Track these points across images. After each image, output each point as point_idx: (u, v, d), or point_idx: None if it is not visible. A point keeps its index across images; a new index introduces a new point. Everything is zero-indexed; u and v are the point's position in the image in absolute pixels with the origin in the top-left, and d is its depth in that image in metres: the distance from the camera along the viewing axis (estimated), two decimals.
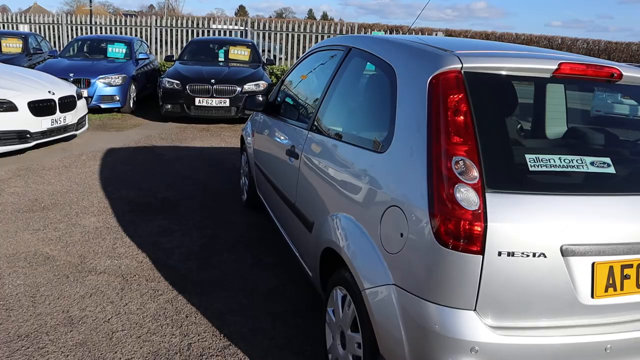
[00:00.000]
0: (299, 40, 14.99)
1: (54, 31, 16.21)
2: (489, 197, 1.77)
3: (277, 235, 4.21)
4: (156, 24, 15.67)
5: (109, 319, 2.93)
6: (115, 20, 15.97)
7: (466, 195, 1.77)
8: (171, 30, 15.67)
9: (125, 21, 15.97)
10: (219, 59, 10.33)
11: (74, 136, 7.12)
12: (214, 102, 8.68)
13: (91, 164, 6.24)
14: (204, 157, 6.83)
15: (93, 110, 9.12)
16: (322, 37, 14.33)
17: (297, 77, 3.82)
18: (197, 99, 8.64)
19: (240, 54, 10.41)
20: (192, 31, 15.59)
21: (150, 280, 3.41)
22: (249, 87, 8.87)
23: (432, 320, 1.81)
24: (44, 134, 6.35)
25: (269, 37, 15.54)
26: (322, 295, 2.79)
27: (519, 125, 2.37)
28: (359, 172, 2.28)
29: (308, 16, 78.12)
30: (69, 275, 3.42)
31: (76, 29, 16.01)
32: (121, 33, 15.49)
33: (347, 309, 2.27)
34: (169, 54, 13.42)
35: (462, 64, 1.98)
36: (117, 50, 10.49)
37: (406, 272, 1.89)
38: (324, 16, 79.28)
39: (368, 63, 2.72)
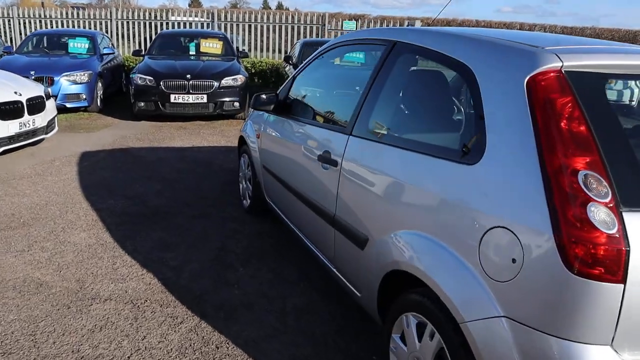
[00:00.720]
0: (262, 32, 14.50)
1: (3, 25, 15.19)
2: (627, 216, 1.51)
3: (292, 245, 3.89)
4: (116, 16, 14.87)
5: (128, 357, 2.55)
6: (72, 13, 15.08)
7: (600, 216, 1.50)
8: (133, 23, 14.91)
9: (83, 14, 15.10)
10: (190, 53, 9.81)
11: (42, 140, 6.55)
12: (191, 98, 8.21)
13: (67, 170, 5.72)
14: (187, 158, 6.39)
15: (58, 110, 8.47)
16: (289, 29, 13.92)
17: (317, 74, 3.49)
18: (172, 96, 8.14)
19: (212, 46, 9.92)
20: (152, 24, 14.86)
21: (164, 306, 3.03)
22: (226, 81, 8.43)
23: (561, 358, 1.54)
24: (11, 139, 5.78)
25: (230, 29, 14.98)
26: (375, 318, 2.50)
27: (631, 129, 2.12)
28: (438, 185, 1.98)
29: (263, 6, 76.93)
30: (70, 305, 3.00)
31: (29, 23, 15.04)
32: (78, 26, 14.64)
33: (429, 339, 1.98)
34: (129, 47, 12.74)
35: (562, 62, 1.72)
36: (79, 45, 9.82)
37: (523, 303, 1.62)
38: (279, 6, 78.24)
39: (424, 60, 2.43)
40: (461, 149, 1.93)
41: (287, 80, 3.87)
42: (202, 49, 9.84)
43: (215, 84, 8.30)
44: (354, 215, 2.53)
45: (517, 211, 1.65)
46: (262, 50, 14.30)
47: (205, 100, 8.26)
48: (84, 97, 8.69)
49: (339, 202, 2.68)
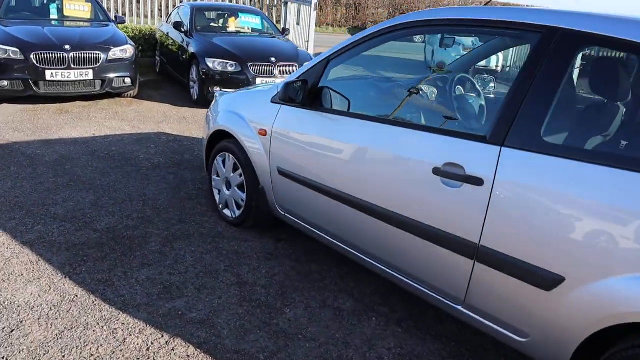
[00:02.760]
0: None
1: None
2: None
3: (328, 267, 3.17)
4: None
5: None
6: None
7: None
8: None
9: None
10: (52, 17, 7.95)
11: None
12: (73, 75, 6.62)
13: None
14: (98, 153, 5.08)
15: None
16: None
17: (389, 61, 2.75)
18: (48, 72, 6.47)
19: (79, 9, 8.14)
20: None
21: None
22: (114, 53, 6.96)
23: None
24: None
25: None
26: None
27: None
28: None
29: None
30: None
31: None
32: None
33: None
34: None
35: None
36: None
37: None
38: None
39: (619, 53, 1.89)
40: None
41: (308, 65, 3.04)
42: (66, 12, 8.01)
43: (103, 56, 6.80)
44: (530, 248, 1.96)
45: None
46: (131, 15, 12.30)
47: (91, 76, 6.73)
48: None
49: (490, 230, 2.08)
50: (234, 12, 8.76)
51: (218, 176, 3.76)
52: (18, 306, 2.63)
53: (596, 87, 2.15)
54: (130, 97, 7.55)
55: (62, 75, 6.54)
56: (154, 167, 4.79)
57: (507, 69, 5.79)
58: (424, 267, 2.39)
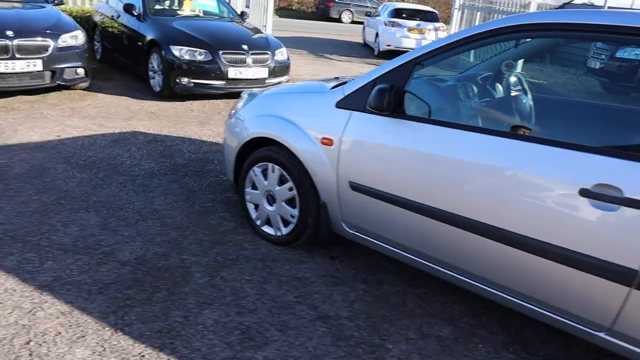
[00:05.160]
0: None
1: None
2: None
3: (401, 287, 2.88)
4: None
5: None
6: None
7: None
8: None
9: None
10: None
11: None
12: (18, 66, 5.70)
13: None
14: (72, 158, 4.37)
15: None
16: None
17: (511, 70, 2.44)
18: None
19: None
20: None
21: None
22: (64, 40, 6.09)
23: None
24: None
25: None
26: None
27: None
28: None
29: None
30: None
31: None
32: None
33: None
34: None
35: None
36: None
37: None
38: None
39: None
40: None
41: (386, 67, 2.66)
42: None
43: (52, 44, 5.92)
44: None
45: None
46: None
47: (40, 67, 5.83)
48: None
49: None
50: None
51: (255, 189, 3.30)
52: None
53: None
54: (81, 89, 6.69)
55: (5, 66, 5.61)
56: (149, 176, 4.19)
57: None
58: (558, 292, 2.16)
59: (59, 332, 2.34)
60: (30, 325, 2.37)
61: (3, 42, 5.56)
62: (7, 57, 5.60)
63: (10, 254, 2.92)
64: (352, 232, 2.91)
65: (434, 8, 15.15)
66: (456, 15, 12.63)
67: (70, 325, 2.39)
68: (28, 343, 2.25)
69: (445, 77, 3.19)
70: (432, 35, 12.73)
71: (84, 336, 2.33)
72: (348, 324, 2.57)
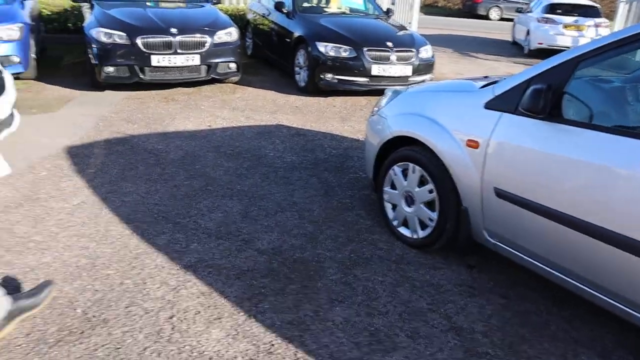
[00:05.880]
0: None
1: None
2: None
3: (545, 307, 2.57)
4: None
5: None
6: None
7: None
8: None
9: None
10: None
11: None
12: (179, 60, 6.21)
13: (68, 186, 3.77)
14: (221, 147, 4.63)
15: None
16: None
17: None
18: (153, 58, 6.08)
19: None
20: None
21: None
22: (220, 37, 6.51)
23: None
24: None
25: None
26: None
27: None
28: None
29: None
30: None
31: None
32: None
33: None
34: None
35: None
36: None
37: None
38: None
39: None
40: None
41: (543, 65, 2.41)
42: None
43: (209, 40, 6.35)
44: None
45: None
46: None
47: (197, 62, 6.30)
48: (17, 59, 6.29)
49: None
50: None
51: (393, 188, 3.21)
52: (210, 359, 2.18)
53: None
54: (232, 83, 7.11)
55: (168, 60, 6.14)
56: (290, 168, 4.30)
57: None
58: None
59: (199, 312, 2.46)
60: (174, 301, 2.53)
61: (168, 39, 6.08)
62: (171, 52, 6.12)
63: (162, 233, 3.16)
64: (493, 241, 2.70)
65: (596, 2, 13.77)
66: (622, 8, 11.37)
67: (209, 306, 2.51)
68: (171, 318, 2.40)
69: (609, 78, 2.85)
70: (592, 32, 11.58)
71: (220, 318, 2.43)
72: (483, 340, 2.39)
